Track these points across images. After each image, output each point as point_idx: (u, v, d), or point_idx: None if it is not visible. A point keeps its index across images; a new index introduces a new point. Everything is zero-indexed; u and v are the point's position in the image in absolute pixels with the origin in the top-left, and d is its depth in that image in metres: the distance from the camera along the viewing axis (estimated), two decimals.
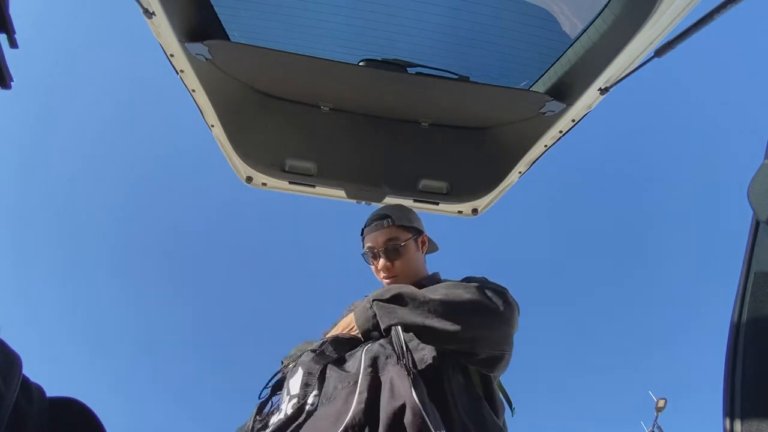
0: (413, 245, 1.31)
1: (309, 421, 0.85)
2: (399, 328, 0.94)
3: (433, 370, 0.95)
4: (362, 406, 0.80)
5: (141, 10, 1.07)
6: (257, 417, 1.00)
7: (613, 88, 1.27)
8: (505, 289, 1.13)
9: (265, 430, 0.93)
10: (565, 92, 1.34)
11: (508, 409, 1.12)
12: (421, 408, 0.75)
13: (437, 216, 1.76)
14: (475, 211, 1.77)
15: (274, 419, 0.93)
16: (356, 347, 1.00)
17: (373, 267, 1.31)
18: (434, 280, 1.29)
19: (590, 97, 1.31)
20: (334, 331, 1.09)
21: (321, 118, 1.60)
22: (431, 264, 1.40)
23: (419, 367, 0.93)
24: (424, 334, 0.97)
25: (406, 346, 0.90)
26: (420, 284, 1.24)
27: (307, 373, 0.95)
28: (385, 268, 1.27)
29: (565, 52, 1.32)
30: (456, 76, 1.36)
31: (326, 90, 1.53)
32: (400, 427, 0.76)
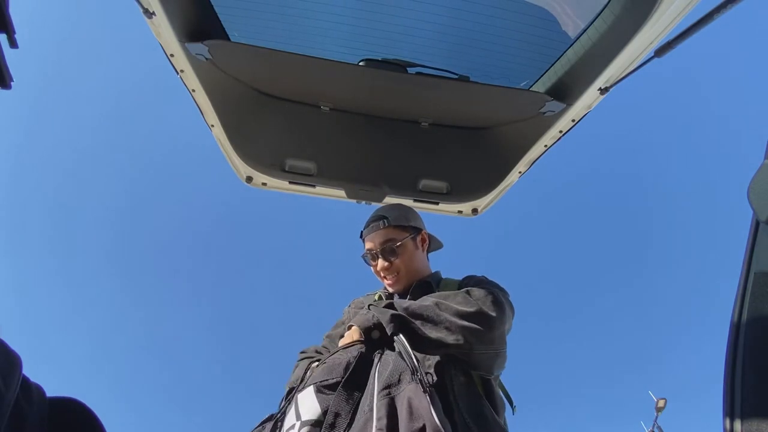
0: (411, 244, 1.31)
1: None
2: (402, 337, 0.94)
3: (436, 372, 0.98)
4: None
5: (141, 10, 1.07)
6: None
7: (613, 88, 1.27)
8: (500, 288, 1.14)
9: None
10: (565, 92, 1.34)
11: (509, 407, 1.13)
12: (442, 429, 0.74)
13: (437, 216, 1.77)
14: (475, 210, 1.77)
15: None
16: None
17: (372, 268, 1.32)
18: (435, 278, 1.30)
19: (590, 97, 1.31)
20: (342, 342, 1.05)
21: (321, 118, 1.60)
22: (434, 262, 1.41)
23: (428, 380, 0.90)
24: (419, 343, 0.97)
25: (417, 359, 0.89)
26: (421, 282, 1.25)
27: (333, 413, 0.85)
28: (384, 269, 1.28)
29: (565, 52, 1.32)
30: (456, 76, 1.36)
31: (326, 90, 1.52)
32: None
